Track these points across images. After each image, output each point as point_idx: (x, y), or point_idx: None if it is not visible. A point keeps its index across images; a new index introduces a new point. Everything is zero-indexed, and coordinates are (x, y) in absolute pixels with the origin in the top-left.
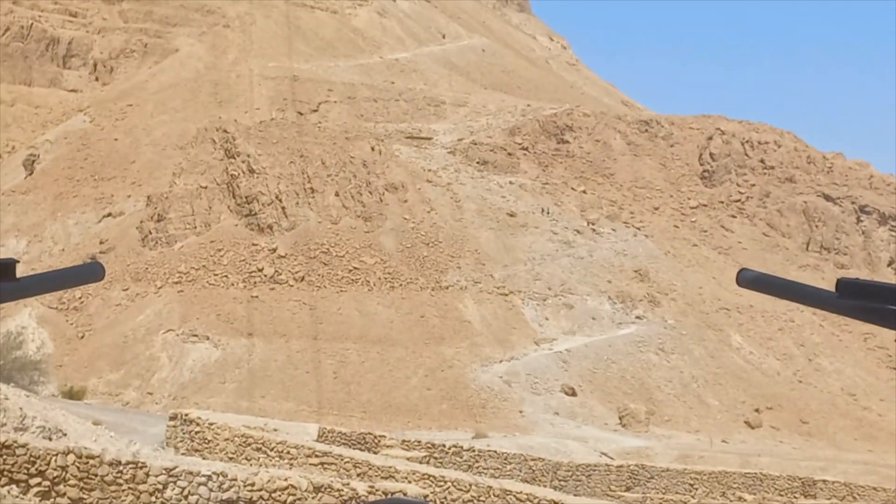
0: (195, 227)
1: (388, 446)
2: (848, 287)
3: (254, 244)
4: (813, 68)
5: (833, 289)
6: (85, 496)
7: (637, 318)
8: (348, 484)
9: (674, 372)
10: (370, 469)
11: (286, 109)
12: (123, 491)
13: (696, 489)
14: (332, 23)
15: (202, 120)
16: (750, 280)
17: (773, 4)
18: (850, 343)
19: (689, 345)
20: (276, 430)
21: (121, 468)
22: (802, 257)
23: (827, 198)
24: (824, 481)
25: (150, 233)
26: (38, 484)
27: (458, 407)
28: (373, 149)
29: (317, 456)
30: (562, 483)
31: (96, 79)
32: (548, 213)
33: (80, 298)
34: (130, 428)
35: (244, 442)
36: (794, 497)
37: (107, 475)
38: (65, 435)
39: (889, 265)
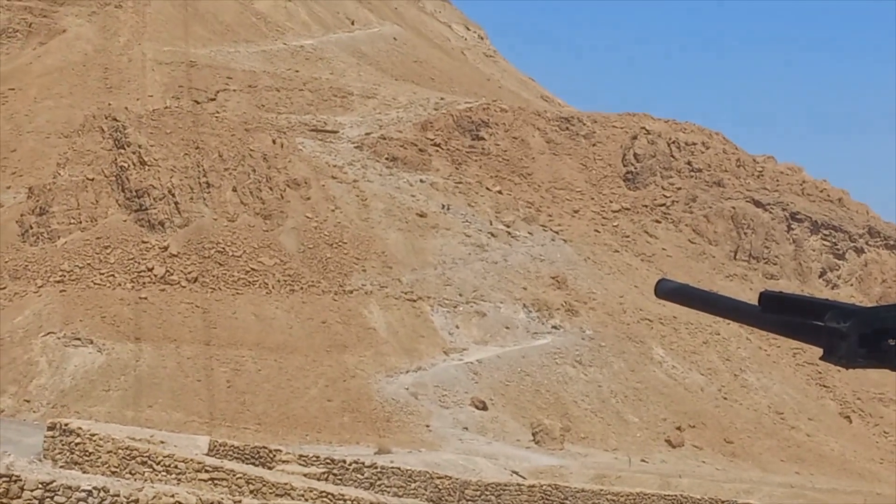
0: (80, 222)
1: (284, 461)
2: (771, 301)
3: (143, 242)
4: (745, 68)
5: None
6: None
7: (553, 327)
8: (240, 501)
9: (591, 386)
10: (264, 486)
11: (181, 97)
12: None
13: None
14: (233, 6)
15: (90, 107)
16: (669, 291)
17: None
18: (779, 358)
19: (609, 357)
20: (163, 442)
21: None
22: (730, 266)
23: (757, 204)
24: None
25: (31, 227)
26: None
27: (360, 420)
28: (274, 142)
29: (207, 471)
30: (469, 503)
31: None
32: (447, 209)
33: None
34: (4, 438)
35: (128, 455)
36: None
37: None
38: None
39: (821, 276)
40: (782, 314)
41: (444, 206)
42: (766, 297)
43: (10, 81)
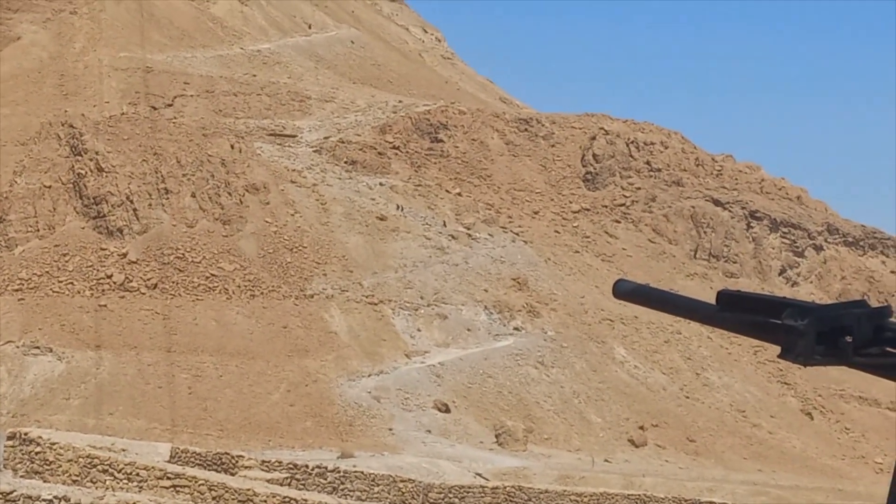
0: (38, 230)
1: (246, 467)
2: (728, 300)
3: (102, 248)
4: (702, 65)
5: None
6: None
7: (515, 329)
8: None
9: (554, 387)
10: (227, 492)
11: (138, 103)
12: None
13: None
14: (190, 11)
15: (46, 114)
16: (627, 292)
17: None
18: (740, 356)
19: (571, 358)
20: (124, 450)
21: None
22: (690, 265)
23: (716, 202)
24: (712, 502)
25: None
26: None
27: (322, 424)
28: (232, 147)
29: (168, 478)
30: None
31: None
32: (402, 210)
33: None
34: None
35: (89, 463)
36: None
37: None
38: None
39: (780, 274)
40: (740, 313)
41: (398, 207)
42: (723, 295)
43: None
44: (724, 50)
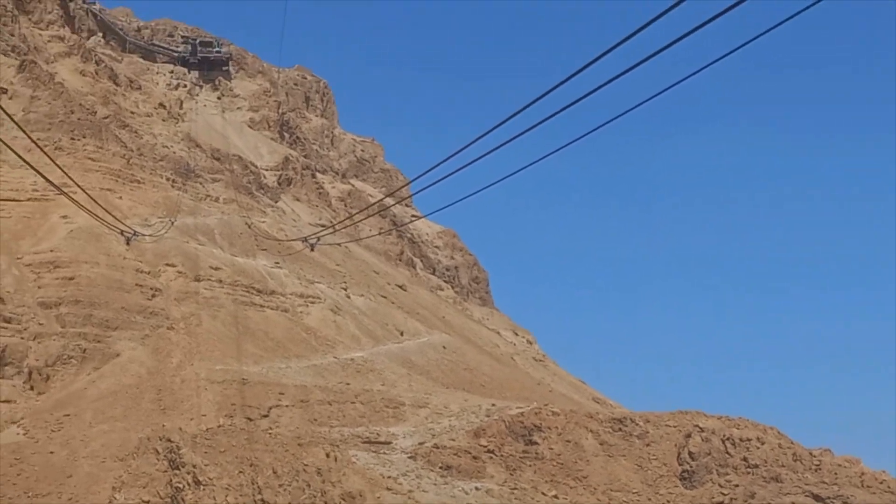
0: None
1: None
2: None
3: None
4: (795, 361)
5: None
6: None
7: None
8: None
9: None
10: None
11: (235, 415)
12: None
13: None
14: (284, 322)
15: (144, 428)
16: None
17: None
18: None
19: None
20: None
21: None
22: None
23: (816, 498)
24: None
25: None
26: None
27: None
28: (328, 455)
29: None
30: None
31: (31, 388)
32: None
33: None
34: None
35: None
36: None
37: None
38: None
39: None
40: None
41: None
42: None
43: (66, 407)
44: (815, 341)
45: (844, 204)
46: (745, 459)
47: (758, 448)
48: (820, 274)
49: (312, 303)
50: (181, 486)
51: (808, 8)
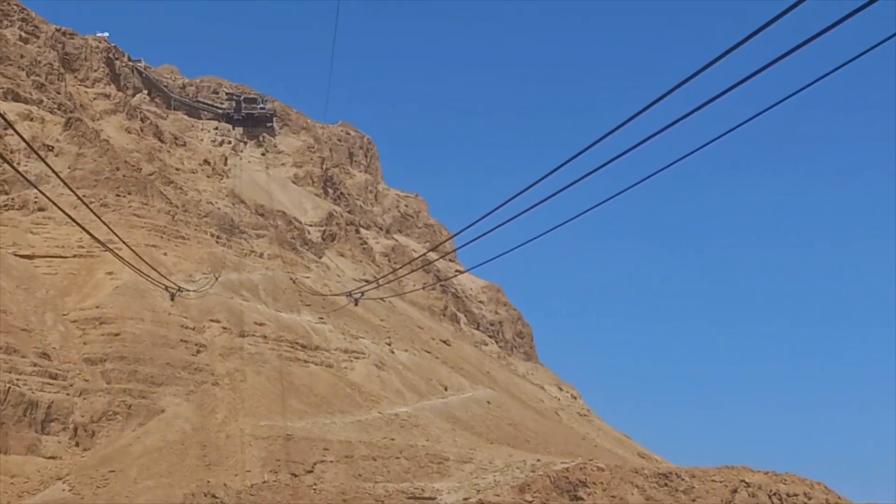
0: None
1: None
2: None
3: None
4: (837, 414)
5: None
6: None
7: None
8: None
9: None
10: None
11: (279, 471)
12: None
13: None
14: (328, 377)
15: (189, 485)
16: None
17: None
18: None
19: None
20: None
21: None
22: None
23: None
24: None
25: None
26: None
27: None
28: None
29: None
30: None
31: (76, 444)
32: None
33: None
34: None
35: None
36: None
37: None
38: None
39: None
40: None
41: None
42: None
43: (111, 464)
44: (868, 389)
45: None
46: None
47: (805, 503)
48: (879, 319)
49: (357, 358)
50: None
51: (870, 50)
